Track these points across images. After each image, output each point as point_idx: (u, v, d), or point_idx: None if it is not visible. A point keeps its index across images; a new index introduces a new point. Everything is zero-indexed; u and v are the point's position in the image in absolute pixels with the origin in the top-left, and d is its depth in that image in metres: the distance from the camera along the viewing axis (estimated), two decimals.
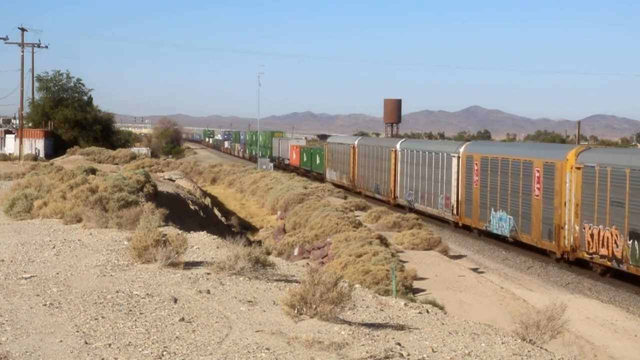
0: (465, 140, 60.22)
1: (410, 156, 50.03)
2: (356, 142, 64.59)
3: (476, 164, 39.74)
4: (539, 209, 32.97)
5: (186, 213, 36.93)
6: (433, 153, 46.28)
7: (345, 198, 52.73)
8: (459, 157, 41.96)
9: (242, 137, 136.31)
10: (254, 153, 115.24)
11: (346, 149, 65.86)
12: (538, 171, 33.28)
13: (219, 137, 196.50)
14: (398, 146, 52.73)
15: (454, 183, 42.37)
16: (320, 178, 73.51)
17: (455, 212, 42.24)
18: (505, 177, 36.45)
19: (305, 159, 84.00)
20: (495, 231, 37.46)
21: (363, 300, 12.25)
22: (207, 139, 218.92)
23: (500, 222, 36.82)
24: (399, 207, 50.82)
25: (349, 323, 9.83)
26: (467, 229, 41.29)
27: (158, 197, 31.29)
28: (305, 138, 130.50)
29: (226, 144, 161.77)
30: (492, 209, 37.58)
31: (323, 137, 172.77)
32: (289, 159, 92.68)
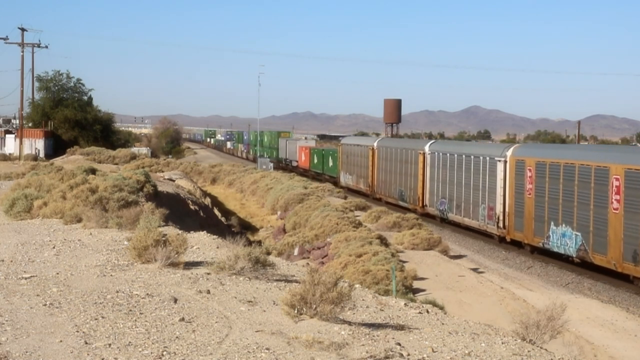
0: (511, 142, 53.20)
1: (442, 160, 44.62)
2: (376, 144, 58.98)
3: (529, 170, 34.03)
4: (619, 225, 27.52)
5: (186, 213, 36.93)
6: (472, 156, 40.62)
7: (345, 198, 52.69)
8: (505, 162, 36.53)
9: (245, 137, 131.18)
10: (258, 154, 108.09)
11: (364, 151, 60.35)
12: (617, 179, 27.77)
13: (221, 137, 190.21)
14: (427, 148, 47.34)
15: (499, 191, 36.98)
16: (334, 182, 68.51)
17: (501, 224, 36.75)
18: (570, 185, 30.83)
19: (316, 161, 78.61)
20: (555, 249, 32.08)
21: (363, 300, 12.25)
22: (208, 139, 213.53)
23: (564, 238, 31.28)
24: (427, 216, 46.01)
25: (349, 323, 9.83)
26: (516, 244, 35.78)
27: (158, 197, 31.29)
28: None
29: (228, 144, 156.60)
30: (552, 223, 32.03)
31: (323, 137, 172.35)
32: (297, 161, 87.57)
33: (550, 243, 32.30)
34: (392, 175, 53.52)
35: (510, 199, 36.21)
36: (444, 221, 43.83)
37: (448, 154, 44.05)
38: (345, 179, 65.61)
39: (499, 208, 37.02)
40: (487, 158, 38.70)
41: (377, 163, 57.09)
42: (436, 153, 45.86)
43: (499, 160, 37.24)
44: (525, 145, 45.26)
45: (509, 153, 36.69)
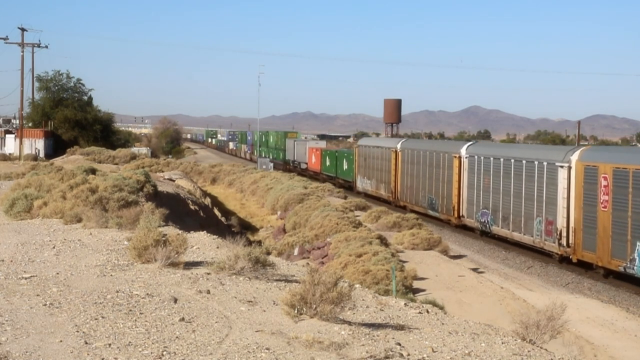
0: (576, 145, 43.96)
1: (483, 164, 39.33)
2: (399, 145, 53.63)
3: (604, 178, 28.69)
4: None
5: (186, 213, 36.94)
6: (523, 161, 35.05)
7: (345, 198, 52.66)
8: (570, 168, 31.09)
9: (249, 137, 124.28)
10: (263, 155, 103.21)
11: (385, 154, 55.34)
12: None
13: (223, 137, 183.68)
14: (463, 151, 42.02)
15: (561, 202, 31.45)
16: (349, 186, 64.90)
17: (564, 242, 31.23)
18: None
19: (328, 163, 73.16)
20: None
21: (363, 300, 12.25)
22: (209, 140, 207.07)
23: None
24: (464, 228, 41.60)
25: (349, 323, 9.83)
26: (583, 265, 30.54)
27: (158, 197, 31.30)
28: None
29: (231, 144, 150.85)
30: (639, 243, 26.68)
31: (323, 137, 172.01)
32: (306, 163, 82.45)
33: (635, 267, 26.71)
34: (420, 180, 48.23)
35: (577, 213, 30.54)
36: (485, 235, 38.94)
37: (492, 158, 38.39)
38: (362, 184, 60.95)
39: (560, 222, 31.53)
40: (545, 163, 33.06)
41: (400, 167, 52.00)
42: (476, 157, 40.34)
43: (562, 166, 31.67)
44: (595, 148, 38.27)
45: (574, 157, 31.04)
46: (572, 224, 30.91)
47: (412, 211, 46.90)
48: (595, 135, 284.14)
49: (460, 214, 41.91)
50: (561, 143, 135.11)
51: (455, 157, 42.53)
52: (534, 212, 33.89)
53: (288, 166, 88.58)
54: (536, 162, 33.95)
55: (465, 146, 42.81)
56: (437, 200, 45.13)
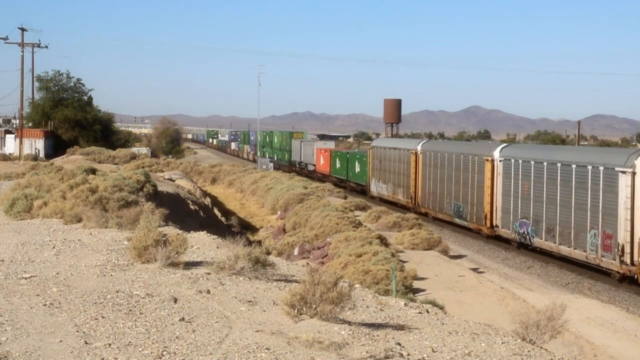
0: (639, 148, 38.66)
1: (521, 169, 35.30)
2: (419, 147, 49.42)
3: None
4: None
5: (186, 213, 36.94)
6: (573, 165, 30.95)
7: (345, 198, 52.64)
8: (634, 174, 27.28)
9: (252, 137, 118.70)
10: (267, 156, 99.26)
11: (403, 156, 51.45)
12: None
13: (224, 137, 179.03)
14: (496, 154, 38.19)
15: (623, 214, 27.58)
16: (361, 190, 61.49)
17: (627, 259, 27.39)
18: None
19: (338, 165, 69.20)
20: None
21: (363, 300, 12.25)
22: (211, 140, 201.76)
23: None
24: (498, 239, 37.57)
25: (349, 323, 9.83)
26: None
27: (158, 197, 31.30)
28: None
29: (233, 145, 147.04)
30: None
31: (323, 137, 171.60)
32: (314, 165, 78.67)
33: None
34: (444, 185, 44.18)
35: None
36: (524, 247, 35.17)
37: (532, 162, 34.34)
38: (377, 188, 56.84)
39: (622, 236, 27.61)
40: (601, 168, 29.18)
41: (421, 170, 47.96)
42: (512, 160, 36.48)
43: (623, 172, 27.80)
44: None
45: (639, 162, 27.40)
46: (637, 239, 27.00)
47: (435, 219, 44.75)
48: (595, 135, 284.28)
49: (494, 224, 38.03)
50: (561, 143, 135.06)
51: (487, 160, 38.61)
52: (587, 223, 29.86)
53: (294, 168, 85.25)
54: (589, 167, 29.88)
55: (499, 148, 38.73)
56: (465, 208, 41.34)
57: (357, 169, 63.21)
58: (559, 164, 32.10)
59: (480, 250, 36.52)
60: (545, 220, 32.93)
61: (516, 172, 35.90)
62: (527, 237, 34.68)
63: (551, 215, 32.44)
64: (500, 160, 37.70)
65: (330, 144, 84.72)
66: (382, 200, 54.17)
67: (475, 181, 40.18)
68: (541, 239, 33.29)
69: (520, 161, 35.74)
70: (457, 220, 42.30)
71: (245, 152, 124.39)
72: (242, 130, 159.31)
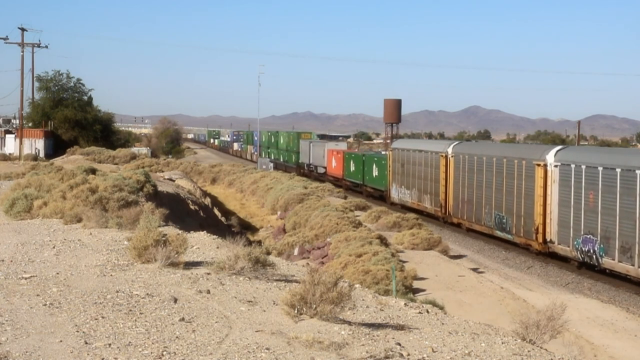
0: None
1: (584, 176, 30.18)
2: (450, 150, 44.19)
3: None
4: None
5: (186, 213, 36.94)
6: None
7: (345, 198, 52.63)
8: None
9: (256, 138, 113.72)
10: (272, 157, 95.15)
11: (431, 159, 46.48)
12: None
13: (226, 138, 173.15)
14: (550, 158, 33.13)
15: None
16: (379, 196, 56.91)
17: None
18: None
19: (352, 168, 64.50)
20: None
21: (363, 300, 12.25)
22: (212, 140, 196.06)
23: None
24: (553, 257, 32.97)
25: (349, 323, 9.83)
26: None
27: (158, 197, 31.30)
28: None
29: (236, 145, 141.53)
30: None
31: (323, 137, 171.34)
32: (325, 167, 74.03)
33: None
34: (483, 193, 39.17)
35: None
36: (588, 267, 30.44)
37: (600, 168, 29.13)
38: (399, 194, 52.05)
39: None
40: None
41: (453, 175, 43.09)
42: (572, 165, 31.16)
43: None
44: None
45: None
46: None
47: (470, 230, 40.38)
48: (595, 135, 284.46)
49: (547, 239, 32.97)
50: (561, 143, 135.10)
51: (539, 165, 33.52)
52: None
53: (302, 170, 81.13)
54: None
55: (553, 152, 33.51)
56: (509, 219, 36.25)
57: (375, 173, 58.30)
58: (637, 172, 27.00)
59: (480, 250, 36.52)
60: (618, 237, 27.78)
61: (578, 180, 30.67)
62: (594, 256, 29.42)
63: (627, 232, 27.33)
64: (556, 166, 32.50)
65: (343, 145, 79.99)
66: (405, 208, 49.38)
67: (523, 189, 35.09)
68: (613, 259, 28.12)
69: (584, 167, 30.33)
70: (499, 233, 37.24)
71: (248, 153, 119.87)
72: (245, 130, 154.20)
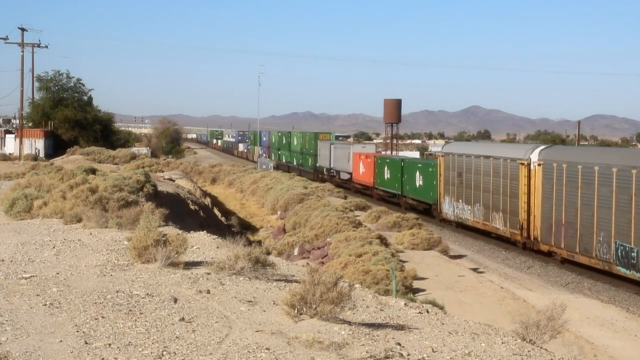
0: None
1: None
2: (535, 156, 34.92)
3: None
4: None
5: (186, 213, 36.93)
6: None
7: (345, 198, 52.60)
8: None
9: (264, 138, 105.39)
10: (284, 160, 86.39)
11: (506, 168, 37.19)
12: None
13: (230, 138, 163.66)
14: None
15: None
16: (424, 210, 47.99)
17: None
18: None
19: (387, 176, 55.26)
20: None
21: (363, 300, 12.25)
22: (214, 141, 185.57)
23: None
24: None
25: (349, 323, 9.82)
26: None
27: (158, 197, 31.29)
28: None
29: (241, 146, 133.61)
30: None
31: None
32: (350, 173, 65.17)
33: None
34: (593, 214, 29.38)
35: None
36: None
37: None
38: (454, 209, 42.93)
39: None
40: None
41: (541, 189, 33.85)
42: None
43: None
44: None
45: None
46: None
47: (568, 261, 31.49)
48: (595, 135, 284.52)
49: None
50: (561, 143, 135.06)
51: None
52: None
53: (321, 175, 72.48)
54: None
55: None
56: (638, 252, 26.65)
57: (419, 182, 48.96)
58: None
59: (480, 250, 36.51)
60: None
61: None
62: None
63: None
64: None
65: (370, 148, 69.06)
66: (463, 227, 41.80)
67: None
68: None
69: None
70: (622, 271, 27.55)
71: (255, 155, 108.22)
72: (251, 130, 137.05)
